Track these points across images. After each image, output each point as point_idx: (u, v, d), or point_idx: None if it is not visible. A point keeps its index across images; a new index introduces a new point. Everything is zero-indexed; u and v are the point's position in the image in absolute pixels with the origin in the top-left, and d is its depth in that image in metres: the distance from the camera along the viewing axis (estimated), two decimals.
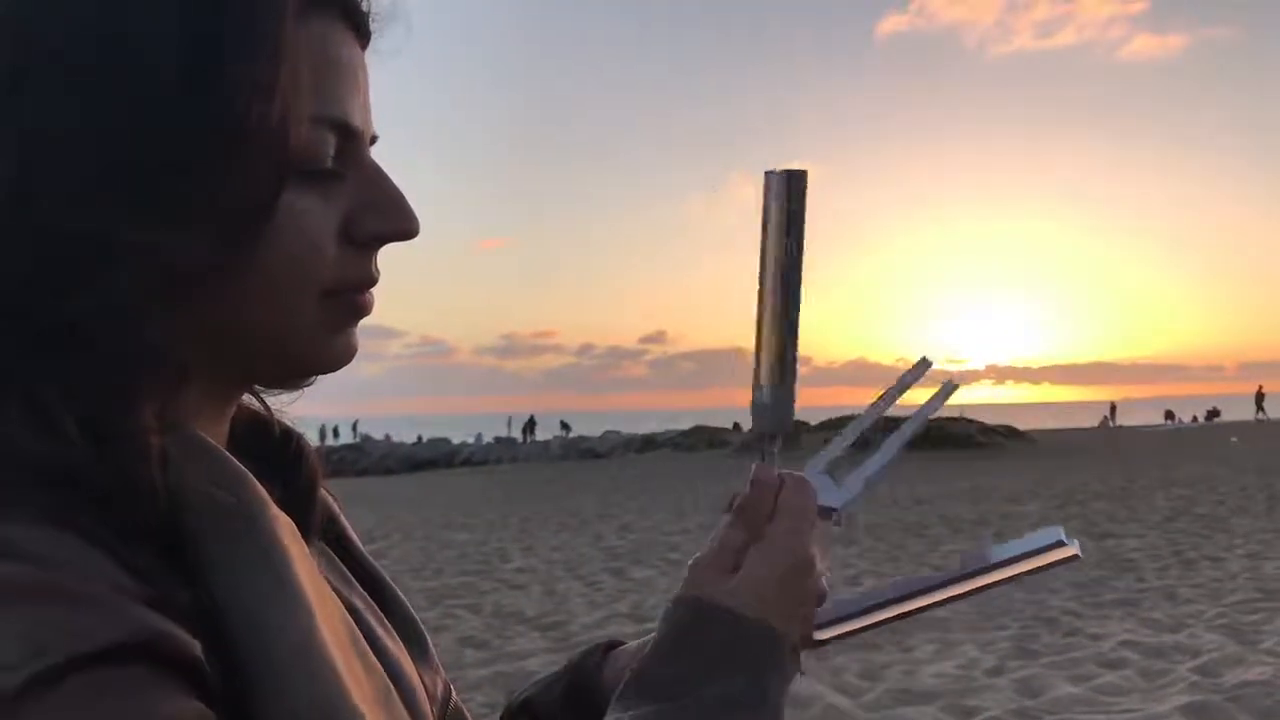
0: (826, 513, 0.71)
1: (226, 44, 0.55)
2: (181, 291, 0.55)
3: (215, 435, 0.63)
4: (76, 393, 0.52)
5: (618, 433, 48.96)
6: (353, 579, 0.74)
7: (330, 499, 0.76)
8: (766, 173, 0.70)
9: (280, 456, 0.70)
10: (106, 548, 0.50)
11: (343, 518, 0.78)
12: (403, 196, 0.63)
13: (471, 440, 51.44)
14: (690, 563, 0.69)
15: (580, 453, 43.54)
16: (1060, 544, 0.71)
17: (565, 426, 53.02)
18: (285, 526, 0.58)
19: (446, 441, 51.81)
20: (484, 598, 9.14)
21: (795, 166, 0.69)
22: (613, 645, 0.86)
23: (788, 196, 0.69)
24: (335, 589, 0.67)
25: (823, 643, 0.75)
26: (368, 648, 0.63)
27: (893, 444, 0.74)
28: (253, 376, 0.66)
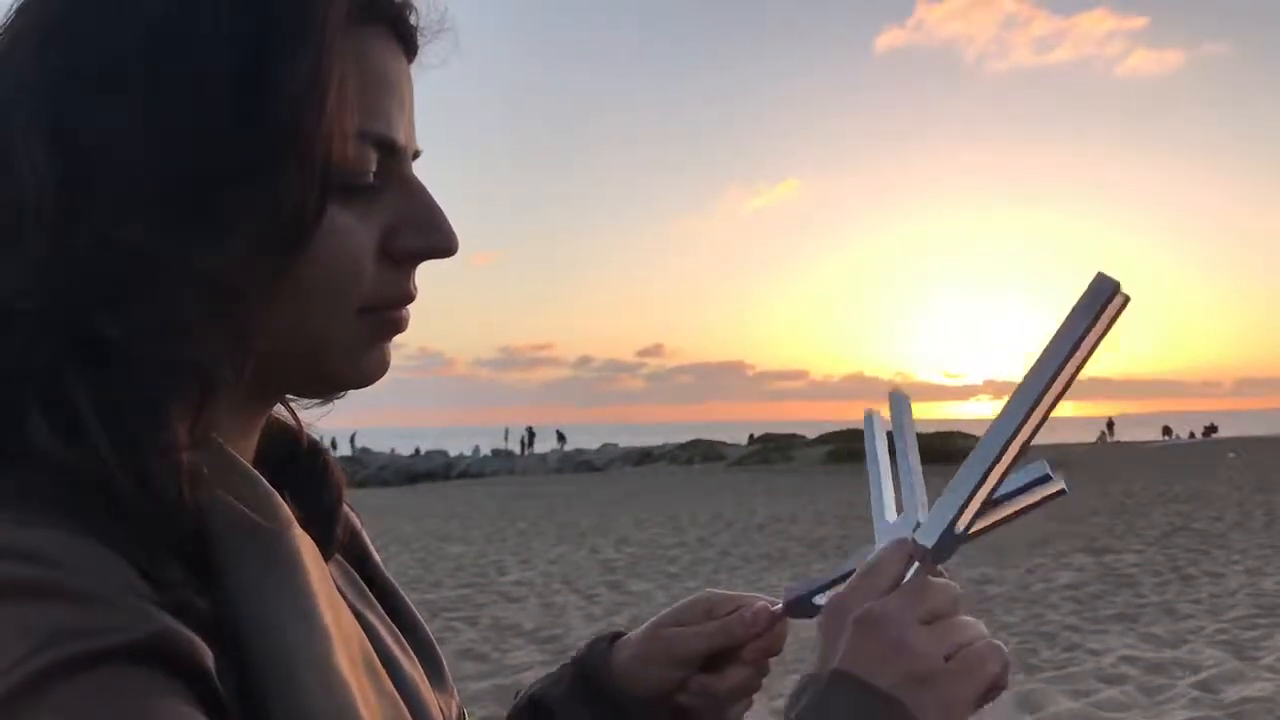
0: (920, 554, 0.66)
1: (276, 55, 0.54)
2: (221, 305, 0.54)
3: (243, 449, 0.63)
4: (108, 403, 0.52)
5: (615, 445, 48.98)
6: (372, 599, 0.73)
7: (353, 515, 0.76)
8: (1106, 279, 0.59)
9: (307, 471, 0.70)
10: (126, 555, 0.50)
11: (365, 535, 0.77)
12: (442, 213, 0.63)
13: (469, 453, 51.42)
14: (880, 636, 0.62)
15: (577, 465, 43.52)
16: (1048, 478, 0.69)
17: (561, 437, 53.02)
18: (307, 547, 0.58)
19: (444, 454, 51.77)
20: (481, 610, 9.11)
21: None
22: (617, 636, 0.87)
23: (1113, 319, 0.61)
24: (353, 608, 0.67)
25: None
26: (382, 671, 0.62)
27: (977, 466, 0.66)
28: (285, 390, 0.66)
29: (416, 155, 0.64)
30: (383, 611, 0.73)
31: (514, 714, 0.86)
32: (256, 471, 0.58)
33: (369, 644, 0.62)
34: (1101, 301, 0.60)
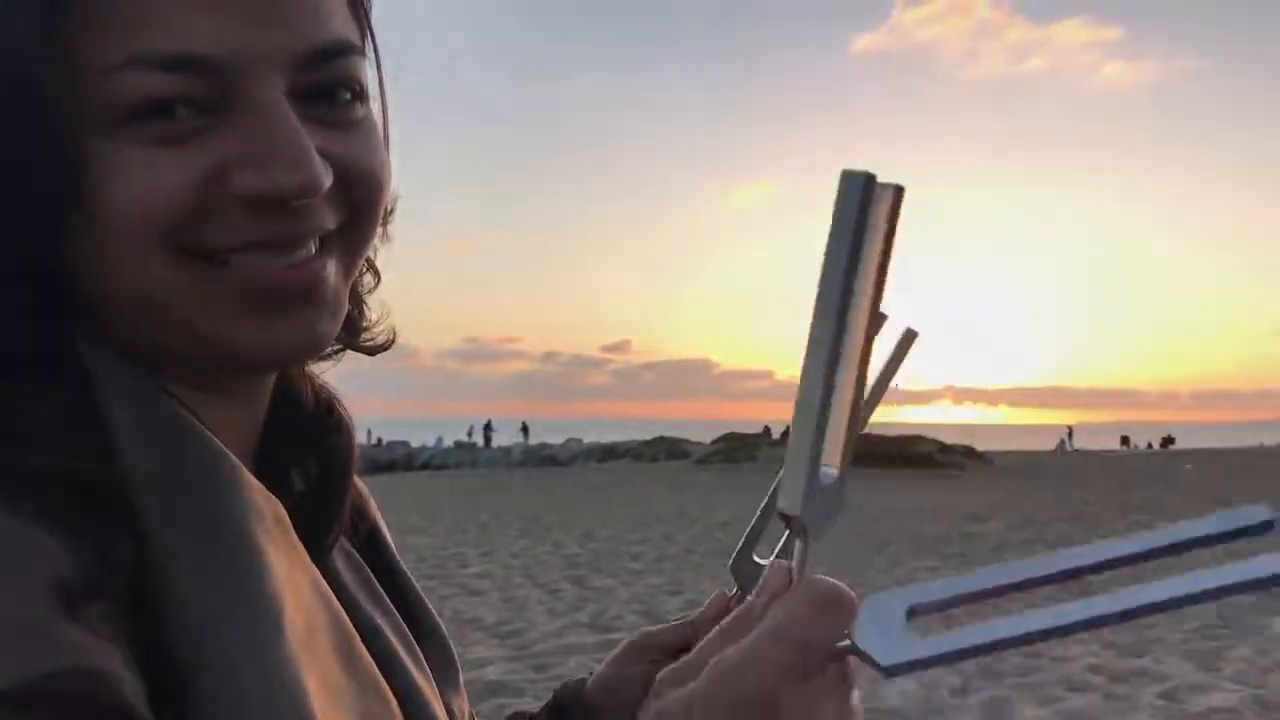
0: (865, 658, 0.50)
1: None
2: (30, 263, 0.52)
3: (228, 419, 0.58)
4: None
5: (579, 441, 48.97)
6: (383, 596, 0.68)
7: (365, 495, 0.72)
8: (856, 175, 0.48)
9: (308, 430, 0.66)
10: (67, 534, 0.46)
11: (375, 512, 0.73)
12: (295, 145, 0.52)
13: (431, 444, 51.15)
14: (661, 677, 0.53)
15: (541, 460, 43.43)
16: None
17: (525, 430, 52.91)
18: (267, 520, 0.54)
19: (405, 445, 51.46)
20: (442, 603, 9.00)
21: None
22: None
23: (891, 216, 0.50)
24: (357, 604, 0.63)
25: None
26: (365, 656, 0.57)
27: (1005, 629, 0.49)
28: (190, 360, 0.56)
29: (328, 53, 0.54)
30: (394, 610, 0.68)
31: None
32: (206, 435, 0.54)
33: (350, 628, 0.57)
34: (858, 201, 0.48)
